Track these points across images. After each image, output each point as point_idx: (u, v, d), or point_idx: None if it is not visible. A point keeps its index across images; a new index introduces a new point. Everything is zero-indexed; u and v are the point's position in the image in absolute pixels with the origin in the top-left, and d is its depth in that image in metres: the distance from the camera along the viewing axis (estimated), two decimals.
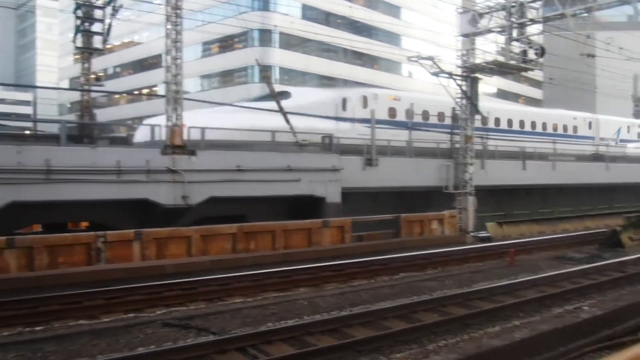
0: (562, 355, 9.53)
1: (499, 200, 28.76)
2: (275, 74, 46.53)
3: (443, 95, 25.14)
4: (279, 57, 47.16)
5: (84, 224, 20.33)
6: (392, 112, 28.12)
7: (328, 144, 22.37)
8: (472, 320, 10.89)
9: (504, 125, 33.85)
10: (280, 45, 47.57)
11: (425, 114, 29.63)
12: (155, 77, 36.34)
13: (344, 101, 27.28)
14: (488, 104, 35.08)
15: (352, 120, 26.77)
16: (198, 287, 13.42)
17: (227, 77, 51.62)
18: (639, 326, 11.09)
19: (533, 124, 36.16)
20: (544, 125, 37.41)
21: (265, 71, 22.90)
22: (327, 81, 51.05)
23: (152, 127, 21.00)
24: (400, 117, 28.45)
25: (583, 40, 22.01)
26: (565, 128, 39.98)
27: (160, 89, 30.20)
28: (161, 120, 20.51)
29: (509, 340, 9.46)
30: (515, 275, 15.22)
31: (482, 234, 23.14)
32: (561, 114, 41.73)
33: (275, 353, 8.95)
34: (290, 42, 48.10)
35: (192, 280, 13.85)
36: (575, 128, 41.05)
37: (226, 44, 51.06)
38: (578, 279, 14.63)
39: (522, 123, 35.38)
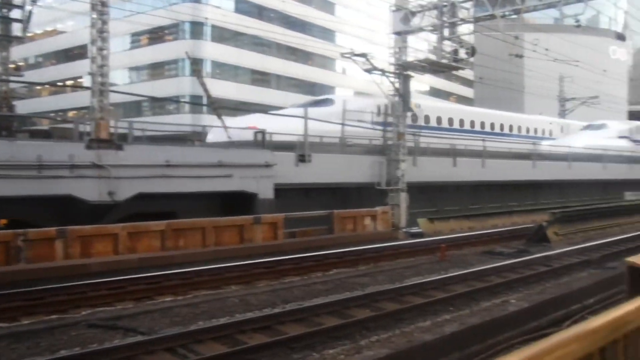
0: (490, 348, 9.72)
1: (431, 196, 29.22)
2: (207, 68, 45.74)
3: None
4: (211, 51, 46.36)
5: (3, 222, 19.33)
6: (413, 117, 31.58)
7: (261, 140, 22.09)
8: (404, 315, 10.98)
9: (497, 129, 41.23)
10: (212, 39, 46.77)
11: (439, 119, 35.81)
12: (81, 68, 35.01)
13: (378, 108, 30.16)
14: (484, 111, 44.65)
15: (384, 124, 29.20)
16: (125, 286, 12.97)
17: (157, 70, 50.40)
18: (562, 318, 11.45)
19: (519, 128, 44.95)
20: (527, 130, 46.28)
21: (196, 65, 22.40)
22: (259, 76, 50.65)
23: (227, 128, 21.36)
24: (420, 122, 33.25)
25: (512, 41, 22.64)
26: (543, 132, 49.06)
27: (86, 81, 29.16)
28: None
29: (440, 334, 9.60)
30: (445, 270, 15.44)
31: (414, 229, 23.43)
32: (540, 119, 50.19)
33: (206, 352, 8.75)
34: (223, 35, 47.34)
35: (119, 279, 13.36)
36: (550, 132, 49.86)
37: (156, 35, 49.82)
38: (506, 273, 14.96)
39: (511, 127, 43.59)
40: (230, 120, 24.06)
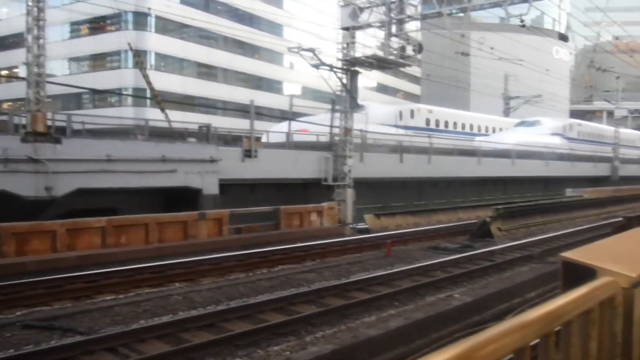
0: (434, 342, 9.81)
1: (377, 192, 29.38)
2: (151, 60, 44.72)
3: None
4: (155, 42, 45.26)
5: None
6: (427, 121, 39.63)
7: (205, 134, 21.75)
8: (350, 311, 10.99)
9: (483, 130, 47.28)
10: (156, 30, 45.66)
11: (446, 123, 42.17)
12: (16, 58, 33.65)
13: (400, 113, 37.36)
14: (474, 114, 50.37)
15: (405, 127, 36.69)
16: (64, 285, 12.52)
17: (99, 61, 48.88)
18: (505, 311, 11.66)
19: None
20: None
21: (138, 56, 21.81)
22: (205, 69, 49.88)
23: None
24: (432, 125, 40.02)
25: (458, 39, 22.95)
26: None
27: (22, 71, 28.07)
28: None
29: (385, 329, 9.64)
30: (391, 266, 15.50)
31: (361, 225, 23.50)
32: (508, 121, 54.16)
33: (148, 351, 8.56)
34: (168, 27, 46.31)
35: (57, 278, 12.88)
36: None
37: (97, 25, 48.24)
38: (451, 268, 15.12)
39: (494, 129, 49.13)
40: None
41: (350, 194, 24.45)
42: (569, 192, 38.55)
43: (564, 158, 45.27)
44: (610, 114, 60.14)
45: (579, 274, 1.74)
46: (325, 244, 18.74)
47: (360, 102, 37.99)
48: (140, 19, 44.70)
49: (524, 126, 48.99)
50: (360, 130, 27.99)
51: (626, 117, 62.29)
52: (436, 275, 14.17)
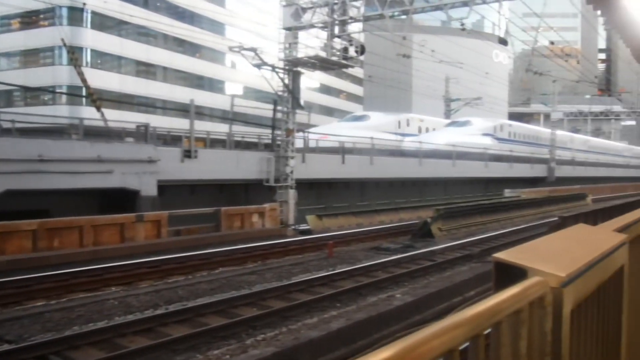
0: (376, 342, 9.83)
1: (320, 193, 29.40)
2: (87, 57, 43.38)
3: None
4: (91, 39, 43.86)
5: None
6: (419, 129, 46.33)
7: (143, 134, 21.20)
8: (291, 313, 10.99)
9: None
10: (92, 26, 44.26)
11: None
12: None
13: (399, 122, 44.40)
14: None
15: (402, 134, 42.78)
16: None
17: (31, 57, 46.99)
18: (445, 310, 11.79)
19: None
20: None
21: (73, 53, 21.01)
22: (144, 68, 48.77)
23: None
24: (423, 131, 46.31)
25: (400, 42, 23.13)
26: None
27: None
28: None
29: (326, 330, 9.64)
30: (333, 267, 15.55)
31: (303, 226, 23.45)
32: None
33: (81, 358, 8.37)
34: (105, 23, 45.01)
35: None
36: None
37: (29, 20, 46.50)
38: (392, 269, 15.29)
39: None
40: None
41: (292, 194, 24.34)
42: (508, 193, 39.55)
43: (503, 159, 46.28)
44: (547, 116, 61.89)
45: (511, 274, 1.72)
46: (267, 245, 18.65)
47: (365, 112, 47.80)
48: (75, 15, 43.17)
49: (454, 126, 48.41)
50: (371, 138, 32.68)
51: (562, 119, 64.38)
52: (378, 276, 14.28)
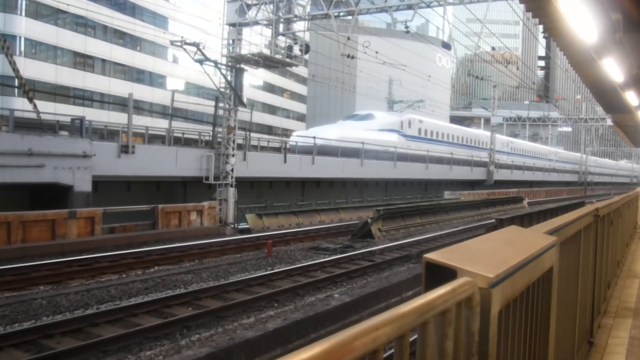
0: (312, 342, 9.79)
1: (260, 192, 29.24)
2: (20, 46, 41.75)
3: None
4: (25, 27, 42.23)
5: None
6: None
7: (79, 127, 20.46)
8: (227, 313, 10.91)
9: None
10: (26, 14, 42.66)
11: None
12: None
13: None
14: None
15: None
16: None
17: None
18: (383, 310, 11.84)
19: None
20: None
21: (5, 41, 20.06)
22: (82, 59, 47.28)
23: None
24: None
25: (344, 42, 23.19)
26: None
27: None
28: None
29: (263, 330, 9.58)
30: (272, 266, 15.47)
31: (242, 225, 23.24)
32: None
33: None
34: (40, 11, 43.41)
35: None
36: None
37: None
38: (331, 269, 15.32)
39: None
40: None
41: (232, 193, 24.08)
42: (447, 195, 40.34)
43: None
44: (487, 121, 63.14)
45: (442, 275, 1.70)
46: (204, 244, 18.44)
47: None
48: (8, 1, 41.58)
49: (354, 120, 44.02)
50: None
51: (502, 124, 66.00)
52: (316, 276, 14.28)
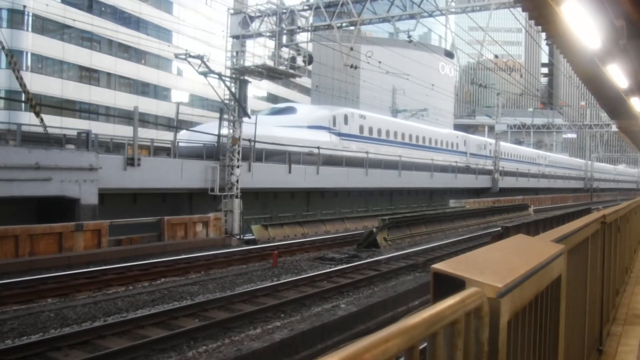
0: (319, 353, 9.80)
1: (265, 202, 29.22)
2: (27, 61, 42.12)
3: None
4: (32, 42, 42.68)
5: None
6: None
7: (85, 141, 20.56)
8: (234, 324, 10.89)
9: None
10: (33, 29, 43.08)
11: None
12: None
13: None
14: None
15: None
16: None
17: None
18: (389, 320, 11.82)
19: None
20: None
21: (12, 56, 20.24)
22: (87, 73, 47.62)
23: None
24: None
25: (347, 52, 23.27)
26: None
27: None
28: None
29: (269, 341, 9.56)
30: (278, 277, 15.45)
31: (248, 236, 23.24)
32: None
33: None
34: (47, 26, 43.84)
35: None
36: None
37: None
38: (337, 278, 15.29)
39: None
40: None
41: (237, 204, 24.10)
42: (452, 203, 40.24)
43: (448, 170, 46.74)
44: (491, 128, 62.71)
45: (450, 285, 1.70)
46: (210, 255, 18.44)
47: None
48: (15, 17, 41.98)
49: (276, 114, 35.35)
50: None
51: (506, 131, 65.73)
52: (323, 286, 14.24)
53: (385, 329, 1.25)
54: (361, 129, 37.51)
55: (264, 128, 28.16)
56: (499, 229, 18.31)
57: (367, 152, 35.95)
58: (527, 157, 69.00)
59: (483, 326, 1.67)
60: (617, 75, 10.09)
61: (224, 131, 24.47)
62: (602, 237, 5.03)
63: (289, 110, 35.35)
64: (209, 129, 26.89)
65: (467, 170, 49.00)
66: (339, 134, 35.53)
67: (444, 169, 45.36)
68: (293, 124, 32.73)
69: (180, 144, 25.52)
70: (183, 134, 28.34)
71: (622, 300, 6.95)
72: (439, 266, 1.82)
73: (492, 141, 56.84)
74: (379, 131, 39.90)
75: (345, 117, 36.38)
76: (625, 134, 26.10)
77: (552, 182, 72.74)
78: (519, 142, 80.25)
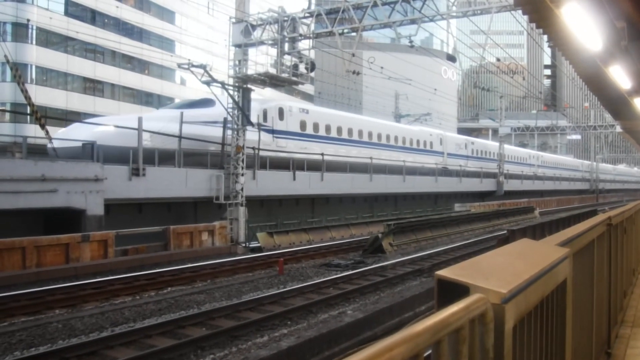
0: (326, 359, 9.80)
1: (270, 210, 29.22)
2: (32, 74, 42.40)
3: None
4: (36, 55, 43.02)
5: None
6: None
7: (90, 152, 20.58)
8: (241, 332, 10.89)
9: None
10: (37, 42, 43.40)
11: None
12: None
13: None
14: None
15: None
16: None
17: None
18: (396, 325, 11.81)
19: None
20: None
21: (17, 70, 20.28)
22: (91, 84, 47.90)
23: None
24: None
25: (349, 58, 23.30)
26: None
27: None
28: None
29: (276, 349, 9.53)
30: (284, 284, 15.45)
31: (253, 244, 23.24)
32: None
33: None
34: (50, 39, 44.16)
35: None
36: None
37: None
38: (343, 285, 15.27)
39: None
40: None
41: (242, 212, 24.11)
42: (457, 207, 40.14)
43: (453, 174, 46.58)
44: (495, 131, 62.48)
45: (454, 291, 1.71)
46: (216, 264, 18.44)
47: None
48: (19, 31, 42.30)
49: (187, 108, 28.06)
50: None
51: (510, 134, 65.52)
52: (329, 293, 14.22)
53: (389, 338, 1.25)
54: (303, 125, 32.43)
55: (159, 124, 23.76)
56: (505, 232, 18.25)
57: (349, 155, 33.61)
58: (515, 158, 63.74)
59: (488, 332, 1.66)
60: (620, 76, 10.08)
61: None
62: (608, 239, 5.02)
63: (206, 103, 28.51)
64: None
65: (445, 172, 45.23)
66: (272, 132, 30.23)
67: (422, 171, 42.14)
68: (210, 119, 26.78)
69: (56, 145, 22.07)
70: (59, 133, 24.48)
71: (630, 302, 6.92)
72: (443, 272, 1.83)
73: (472, 139, 55.24)
74: (328, 128, 34.56)
75: (280, 112, 30.84)
76: (629, 135, 26.06)
77: (557, 184, 72.44)
78: (523, 145, 79.96)
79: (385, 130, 40.70)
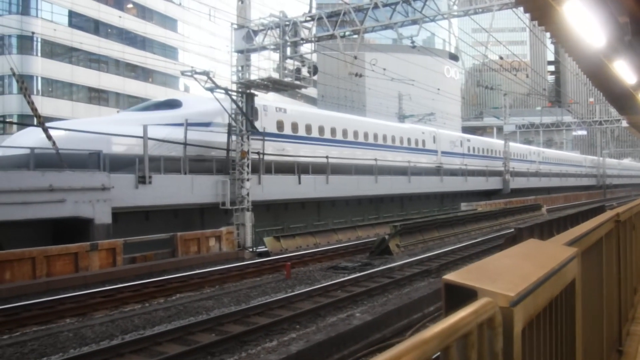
0: None
1: (276, 214, 29.22)
2: (37, 85, 42.67)
3: None
4: (41, 67, 43.31)
5: None
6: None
7: (96, 161, 20.65)
8: (250, 337, 10.91)
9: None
10: (42, 54, 43.71)
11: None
12: None
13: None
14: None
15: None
16: None
17: None
18: (405, 327, 11.80)
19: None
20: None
21: (22, 82, 20.33)
22: (96, 94, 48.15)
23: None
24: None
25: (351, 61, 23.30)
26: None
27: None
28: None
29: (286, 353, 9.53)
30: (292, 288, 15.44)
31: (260, 248, 23.25)
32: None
33: None
34: (55, 50, 44.46)
35: None
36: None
37: None
38: (350, 287, 15.25)
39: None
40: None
41: (249, 217, 24.13)
42: (464, 206, 40.02)
43: (458, 173, 46.46)
44: (500, 129, 62.20)
45: (462, 295, 1.69)
46: (224, 269, 18.46)
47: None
48: (24, 43, 42.62)
49: (151, 110, 27.31)
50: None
51: (515, 132, 65.23)
52: (337, 295, 14.20)
53: (397, 346, 1.25)
54: (280, 125, 30.39)
55: (121, 128, 22.80)
56: (512, 230, 18.18)
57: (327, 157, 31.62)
58: (515, 155, 60.60)
59: (496, 336, 1.66)
60: (624, 71, 10.06)
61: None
62: (617, 236, 4.99)
63: (172, 105, 26.97)
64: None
65: (437, 172, 43.93)
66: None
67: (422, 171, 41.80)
68: (175, 121, 24.90)
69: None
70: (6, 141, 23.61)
71: None
72: (450, 277, 1.82)
73: (468, 136, 53.99)
74: (309, 128, 32.60)
75: (255, 111, 26.82)
76: (636, 129, 25.94)
77: (564, 180, 72.15)
78: (529, 142, 79.67)
79: (372, 129, 38.69)
